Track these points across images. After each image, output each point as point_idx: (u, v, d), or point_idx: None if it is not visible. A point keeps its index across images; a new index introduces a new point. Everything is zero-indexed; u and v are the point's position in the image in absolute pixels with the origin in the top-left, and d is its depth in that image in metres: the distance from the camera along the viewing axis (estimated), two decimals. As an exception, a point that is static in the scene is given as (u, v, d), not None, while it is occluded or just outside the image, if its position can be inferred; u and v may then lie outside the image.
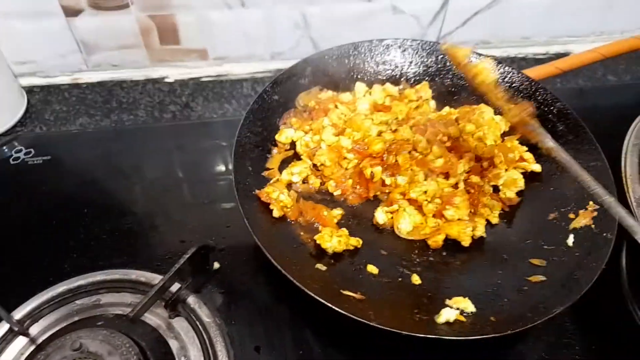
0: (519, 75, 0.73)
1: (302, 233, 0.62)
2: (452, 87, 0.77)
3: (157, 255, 0.64)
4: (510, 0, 0.95)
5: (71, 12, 0.86)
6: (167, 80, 0.97)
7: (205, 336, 0.56)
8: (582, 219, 0.60)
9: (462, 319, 0.55)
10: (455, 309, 0.55)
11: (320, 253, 0.60)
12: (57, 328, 0.57)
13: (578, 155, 0.63)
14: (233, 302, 0.61)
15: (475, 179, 0.66)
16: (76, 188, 0.72)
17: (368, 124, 0.67)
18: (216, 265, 0.63)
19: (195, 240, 0.65)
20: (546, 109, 0.71)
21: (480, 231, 0.62)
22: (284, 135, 0.70)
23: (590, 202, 0.61)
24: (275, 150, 0.70)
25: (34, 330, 0.57)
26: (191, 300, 0.58)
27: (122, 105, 0.93)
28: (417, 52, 0.77)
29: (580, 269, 0.55)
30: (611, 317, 0.62)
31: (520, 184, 0.66)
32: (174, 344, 0.56)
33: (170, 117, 0.91)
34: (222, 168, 0.75)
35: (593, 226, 0.59)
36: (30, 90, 0.95)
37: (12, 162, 0.74)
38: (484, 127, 0.68)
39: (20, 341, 0.56)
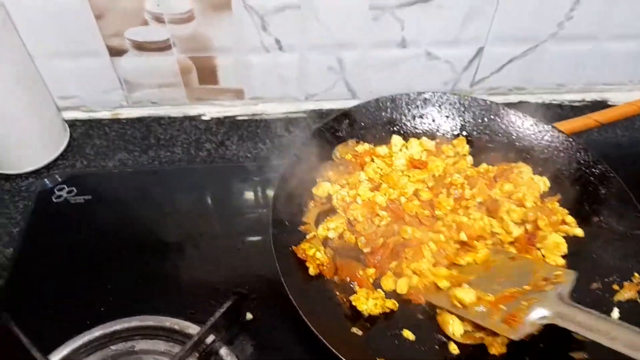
0: (558, 134, 0.73)
1: (337, 293, 0.62)
2: (490, 142, 0.77)
3: (191, 302, 0.65)
4: (546, 47, 0.95)
5: (115, 53, 0.90)
6: (203, 118, 1.00)
7: (236, 389, 0.57)
8: (627, 292, 0.58)
9: None
10: None
11: (355, 315, 0.60)
12: (93, 374, 0.58)
13: (621, 221, 0.62)
14: (264, 355, 0.61)
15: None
16: (114, 229, 0.74)
17: (404, 182, 0.67)
18: (249, 316, 0.63)
19: (228, 288, 0.66)
20: (587, 171, 0.70)
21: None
22: (321, 189, 0.71)
23: (636, 274, 0.59)
24: (311, 204, 0.70)
25: (70, 374, 0.58)
26: (223, 352, 0.59)
27: (160, 142, 0.95)
28: (454, 107, 0.77)
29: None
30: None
31: (564, 248, 0.64)
32: (205, 396, 0.56)
33: (206, 155, 0.93)
34: (256, 213, 0.75)
35: None
36: (72, 124, 0.98)
37: (54, 200, 0.76)
38: (522, 187, 0.67)
39: (57, 386, 0.57)
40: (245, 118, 1.00)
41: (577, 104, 1.03)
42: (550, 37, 0.93)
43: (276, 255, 0.58)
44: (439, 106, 0.78)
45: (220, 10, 0.84)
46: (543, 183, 0.69)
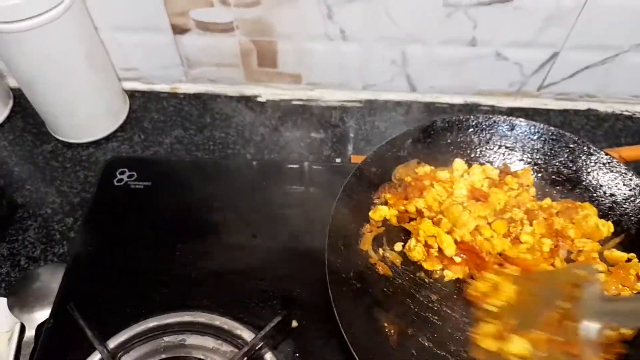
0: (630, 174, 0.68)
1: (386, 324, 0.63)
2: (557, 175, 0.73)
3: (240, 303, 0.67)
4: (627, 57, 0.89)
5: (179, 30, 0.89)
6: (259, 99, 0.99)
7: (278, 394, 0.60)
8: None
9: None
10: None
11: (400, 350, 0.61)
12: (146, 362, 0.62)
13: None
14: (306, 363, 0.63)
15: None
16: (172, 218, 0.76)
17: (465, 218, 0.65)
18: (294, 323, 0.65)
19: (277, 292, 0.68)
20: None
21: None
22: (378, 213, 0.70)
23: None
24: (367, 228, 0.70)
25: (125, 360, 0.62)
26: (268, 356, 0.61)
27: (215, 121, 0.96)
28: (525, 134, 0.74)
29: None
30: None
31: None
32: (249, 398, 0.59)
33: (259, 140, 0.94)
34: (312, 217, 0.75)
35: None
36: (131, 95, 1.00)
37: (116, 184, 0.79)
38: (582, 240, 0.64)
39: (113, 370, 0.61)
40: (301, 103, 0.99)
41: (650, 117, 0.98)
42: (634, 47, 0.87)
43: (330, 286, 0.58)
44: (508, 131, 0.74)
45: (287, -2, 0.82)
46: (607, 229, 0.66)
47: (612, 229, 0.66)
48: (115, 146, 0.92)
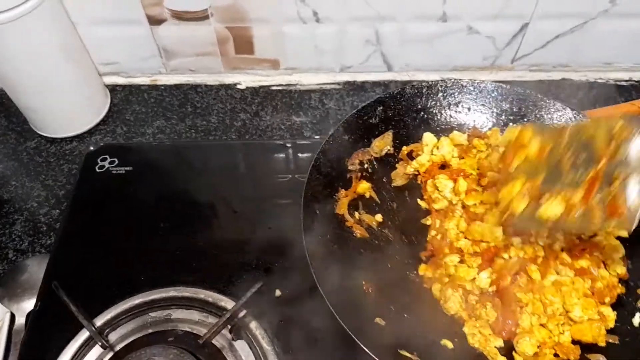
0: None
1: (363, 282, 0.64)
2: None
3: (224, 276, 0.68)
4: (595, 24, 0.91)
5: (155, 21, 0.91)
6: (239, 87, 1.01)
7: (264, 361, 0.61)
8: None
9: None
10: None
11: (379, 305, 0.62)
12: (133, 338, 0.63)
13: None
14: (292, 331, 0.64)
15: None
16: (154, 200, 0.77)
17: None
18: (277, 292, 0.66)
19: (259, 264, 0.69)
20: None
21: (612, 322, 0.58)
22: (360, 187, 0.72)
23: None
24: (342, 193, 0.71)
25: (112, 337, 0.63)
26: (253, 325, 0.63)
27: (197, 110, 0.97)
28: (491, 95, 0.75)
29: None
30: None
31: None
32: (235, 366, 0.60)
33: (240, 125, 0.95)
34: (289, 193, 0.77)
35: None
36: (112, 89, 1.01)
37: (97, 170, 0.80)
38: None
39: (99, 348, 0.62)
40: (280, 88, 1.00)
41: (623, 83, 0.99)
42: (602, 14, 0.88)
43: (306, 246, 0.60)
44: (476, 94, 0.76)
45: (258, -19, 0.83)
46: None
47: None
48: (98, 139, 0.93)
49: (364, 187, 0.73)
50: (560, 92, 0.97)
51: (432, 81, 0.76)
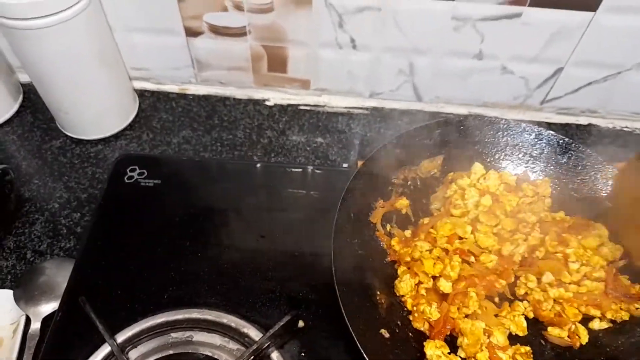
0: None
1: (378, 292, 0.65)
2: (575, 192, 0.75)
3: (247, 302, 0.68)
4: (629, 75, 0.91)
5: (192, 33, 0.91)
6: (267, 103, 1.01)
7: (283, 392, 0.60)
8: None
9: None
10: None
11: (388, 318, 0.63)
12: (154, 358, 0.62)
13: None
14: (312, 362, 0.64)
15: None
16: (182, 216, 0.77)
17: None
18: (301, 323, 0.66)
19: (283, 292, 0.69)
20: None
21: None
22: (399, 203, 0.73)
23: None
24: (380, 203, 0.72)
25: (132, 355, 0.63)
26: (274, 355, 0.62)
27: (223, 123, 0.97)
28: (550, 145, 0.76)
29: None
30: None
31: None
32: (255, 396, 0.60)
33: (267, 143, 0.95)
34: (317, 220, 0.76)
35: None
36: (141, 94, 1.01)
37: (126, 181, 0.80)
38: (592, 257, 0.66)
39: (121, 364, 0.62)
40: (308, 108, 1.00)
41: (649, 133, 1.00)
42: (636, 66, 0.89)
43: (334, 241, 0.61)
44: (536, 139, 0.76)
45: (300, 5, 0.83)
46: (617, 251, 0.67)
47: (620, 251, 0.67)
48: (123, 144, 0.93)
49: (402, 203, 0.73)
50: (586, 137, 0.98)
51: (494, 117, 0.76)
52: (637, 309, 0.64)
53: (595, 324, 0.64)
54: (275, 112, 1.00)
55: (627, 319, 0.64)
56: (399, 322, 0.66)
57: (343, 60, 0.93)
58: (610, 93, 0.95)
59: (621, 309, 0.64)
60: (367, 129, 0.98)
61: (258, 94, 1.02)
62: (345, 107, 1.01)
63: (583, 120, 1.01)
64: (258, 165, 0.85)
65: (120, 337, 0.63)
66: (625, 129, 1.00)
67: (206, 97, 1.01)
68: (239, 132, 0.96)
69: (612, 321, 0.65)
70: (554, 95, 0.96)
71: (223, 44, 0.92)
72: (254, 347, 0.59)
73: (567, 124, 1.00)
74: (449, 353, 0.62)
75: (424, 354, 0.63)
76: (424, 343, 0.63)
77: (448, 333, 0.65)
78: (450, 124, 0.76)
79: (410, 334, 0.65)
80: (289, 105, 1.01)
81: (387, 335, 0.63)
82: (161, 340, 0.64)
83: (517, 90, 0.96)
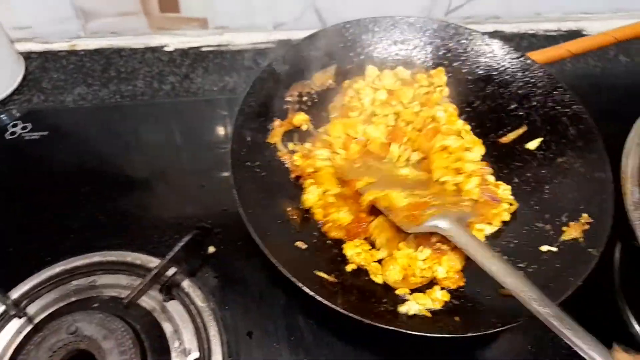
0: (539, 70, 0.69)
1: (289, 209, 0.63)
2: (469, 74, 0.74)
3: (154, 237, 0.64)
4: (525, -26, 0.91)
5: (67, -23, 0.84)
6: (166, 49, 0.95)
7: (199, 320, 0.57)
8: (573, 231, 0.58)
9: (427, 314, 0.55)
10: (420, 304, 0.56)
11: (303, 231, 0.61)
12: (54, 308, 0.58)
13: (584, 163, 0.62)
14: (227, 286, 0.61)
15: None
16: (73, 166, 0.71)
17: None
18: (211, 249, 0.63)
19: (191, 223, 0.65)
20: (562, 109, 0.67)
21: None
22: (297, 119, 0.70)
23: (584, 215, 0.59)
24: (277, 123, 0.68)
25: (31, 309, 0.58)
26: (186, 284, 0.59)
27: (121, 75, 0.91)
28: (437, 34, 0.74)
29: (557, 281, 0.54)
30: (601, 315, 0.62)
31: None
32: (167, 328, 0.57)
33: (170, 89, 0.90)
34: (224, 149, 0.73)
35: (581, 240, 0.58)
36: (27, 57, 0.93)
37: (7, 137, 0.73)
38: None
39: (18, 320, 0.57)
40: (211, 49, 0.96)
41: (552, 33, 1.01)
42: (530, -38, 0.89)
43: (232, 170, 0.58)
44: (423, 32, 0.74)
45: None
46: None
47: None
48: (12, 109, 0.86)
49: (300, 118, 0.70)
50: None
51: (377, 17, 0.74)
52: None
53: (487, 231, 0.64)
54: (176, 57, 0.95)
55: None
56: (315, 233, 0.63)
57: (237, -10, 0.88)
58: (510, -5, 0.95)
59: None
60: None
61: (155, 40, 0.96)
62: (250, 44, 0.97)
63: (489, 28, 1.00)
64: (154, 104, 0.80)
65: (15, 293, 0.58)
66: (529, 32, 1.01)
67: (99, 51, 0.95)
68: (139, 82, 0.90)
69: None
70: (457, 3, 0.96)
71: (105, -14, 0.85)
72: (153, 273, 0.55)
73: (474, 33, 0.99)
74: (370, 249, 0.61)
75: (345, 257, 0.61)
76: (343, 246, 0.61)
77: (367, 235, 0.63)
78: (335, 31, 0.73)
79: (328, 241, 0.63)
80: (190, 48, 0.96)
81: (303, 247, 0.61)
82: (62, 290, 0.59)
83: (420, 2, 0.94)
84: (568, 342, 0.46)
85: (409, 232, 0.60)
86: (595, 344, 0.45)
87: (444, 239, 0.59)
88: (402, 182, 0.64)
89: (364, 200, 0.62)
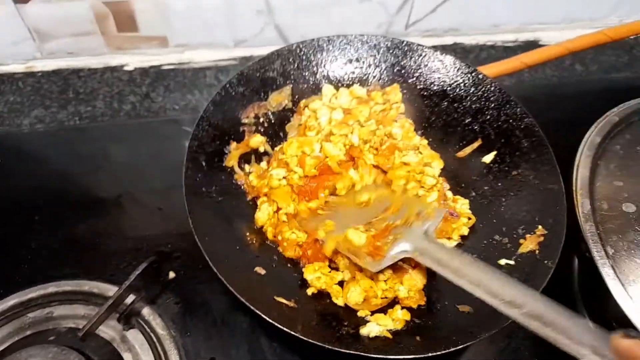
0: (491, 84, 0.71)
1: (247, 233, 0.62)
2: (424, 90, 0.75)
3: (112, 264, 0.63)
4: (480, -13, 0.93)
5: (19, 0, 0.82)
6: (126, 68, 0.94)
7: (160, 349, 0.57)
8: (529, 244, 0.59)
9: (388, 335, 0.55)
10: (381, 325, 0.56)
11: (262, 255, 0.61)
12: (9, 343, 0.56)
13: (537, 175, 0.63)
14: (189, 312, 0.61)
15: None
16: (28, 192, 0.70)
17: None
18: (171, 274, 0.62)
19: (150, 247, 0.64)
20: (514, 123, 0.68)
21: None
22: (253, 141, 0.69)
23: (540, 227, 0.60)
24: (233, 146, 0.68)
25: (-16, 345, 0.56)
26: (146, 311, 0.58)
27: (79, 96, 0.90)
28: (390, 52, 0.74)
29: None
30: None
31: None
32: (128, 358, 0.56)
33: (130, 109, 0.89)
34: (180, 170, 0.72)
35: (537, 252, 0.59)
36: (-19, 80, 0.91)
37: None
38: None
39: (-30, 357, 0.55)
40: (172, 67, 0.95)
41: (510, 44, 1.03)
42: (485, -25, 0.91)
43: (186, 196, 0.57)
44: (377, 50, 0.75)
45: (131, -50, 0.77)
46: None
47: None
48: (-34, 135, 0.84)
49: (257, 140, 0.70)
50: (453, 56, 0.99)
51: (331, 36, 0.74)
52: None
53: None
54: (136, 76, 0.94)
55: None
56: (275, 257, 0.63)
57: (195, 7, 0.88)
58: (467, 8, 0.96)
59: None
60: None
61: (114, 60, 0.95)
62: (212, 61, 0.96)
63: (448, 40, 1.02)
64: (112, 125, 0.79)
65: (-34, 329, 0.56)
66: (488, 43, 1.03)
67: (56, 72, 0.93)
68: (98, 103, 0.89)
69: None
70: (416, 17, 0.97)
71: (59, 7, 0.84)
72: (109, 302, 0.54)
73: (433, 46, 1.00)
74: (330, 271, 0.61)
75: (305, 281, 0.61)
76: (303, 270, 0.61)
77: (327, 255, 0.63)
78: (289, 51, 0.73)
79: (288, 264, 0.62)
80: (150, 67, 0.95)
81: (262, 272, 0.60)
82: (17, 323, 0.58)
83: (379, 17, 0.96)
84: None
85: (375, 271, 0.58)
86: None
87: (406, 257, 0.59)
88: (364, 213, 0.63)
89: (326, 249, 0.61)
